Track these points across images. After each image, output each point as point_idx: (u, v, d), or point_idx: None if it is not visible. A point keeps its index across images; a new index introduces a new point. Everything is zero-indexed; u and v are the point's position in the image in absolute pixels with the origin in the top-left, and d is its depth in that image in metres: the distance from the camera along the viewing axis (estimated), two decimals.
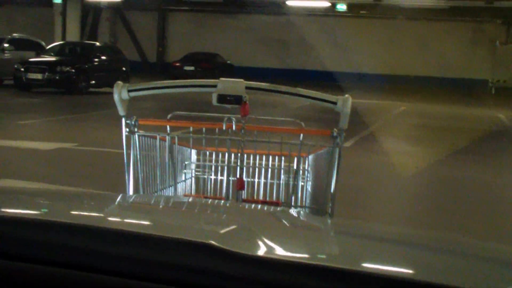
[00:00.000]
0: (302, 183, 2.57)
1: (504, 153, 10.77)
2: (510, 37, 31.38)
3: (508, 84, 30.47)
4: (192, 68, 28.28)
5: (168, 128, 2.33)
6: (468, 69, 31.66)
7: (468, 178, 8.18)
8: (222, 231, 1.23)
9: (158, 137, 2.36)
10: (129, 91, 2.17)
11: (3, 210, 1.32)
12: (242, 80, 2.13)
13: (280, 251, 1.19)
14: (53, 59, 18.75)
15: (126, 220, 1.44)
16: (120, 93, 2.17)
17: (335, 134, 2.25)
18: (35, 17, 33.68)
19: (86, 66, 18.83)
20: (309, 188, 2.59)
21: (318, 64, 33.16)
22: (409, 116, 17.05)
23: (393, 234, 1.54)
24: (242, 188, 2.29)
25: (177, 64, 28.91)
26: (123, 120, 2.24)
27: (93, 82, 18.97)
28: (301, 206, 2.50)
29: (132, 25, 35.55)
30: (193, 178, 2.68)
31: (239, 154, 2.25)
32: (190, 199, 2.21)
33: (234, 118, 2.22)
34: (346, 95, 2.16)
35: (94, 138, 10.17)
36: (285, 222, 1.55)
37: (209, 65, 28.70)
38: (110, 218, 1.44)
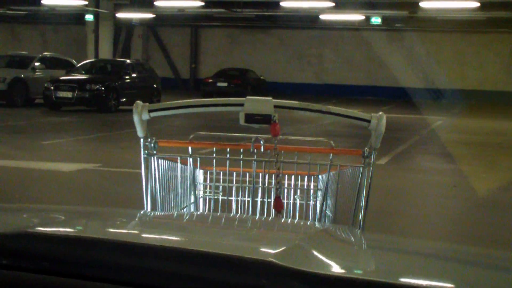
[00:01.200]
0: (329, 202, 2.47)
1: None
2: None
3: None
4: (225, 84, 28.13)
5: (189, 150, 2.25)
6: (507, 81, 30.93)
7: (508, 198, 7.68)
8: (279, 249, 1.19)
9: (179, 159, 2.27)
10: (149, 111, 2.07)
11: (37, 228, 1.33)
12: (270, 98, 2.00)
13: (336, 268, 1.20)
14: (83, 77, 18.69)
15: (177, 238, 1.40)
16: (140, 113, 2.07)
17: (366, 153, 2.16)
18: (68, 36, 34.01)
19: (116, 83, 18.70)
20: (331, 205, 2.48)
21: (353, 79, 32.79)
22: (446, 131, 16.52)
23: (438, 250, 1.55)
24: (281, 208, 2.20)
25: (210, 80, 28.79)
26: (142, 141, 2.15)
27: (124, 100, 18.84)
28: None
29: (165, 42, 35.62)
30: (206, 199, 2.56)
31: (274, 175, 2.15)
32: (226, 216, 2.13)
33: (262, 139, 2.13)
34: (380, 113, 2.06)
35: (118, 158, 9.92)
36: (335, 238, 1.56)
37: (242, 81, 28.52)
38: (151, 236, 1.41)
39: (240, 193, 2.50)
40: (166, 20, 32.21)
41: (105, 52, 27.38)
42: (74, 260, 1.11)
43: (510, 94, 30.10)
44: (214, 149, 2.28)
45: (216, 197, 2.51)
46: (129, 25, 32.42)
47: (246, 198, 2.45)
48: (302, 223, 2.07)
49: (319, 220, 2.46)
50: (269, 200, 2.46)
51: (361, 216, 2.22)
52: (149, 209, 2.23)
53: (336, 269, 1.20)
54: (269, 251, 1.20)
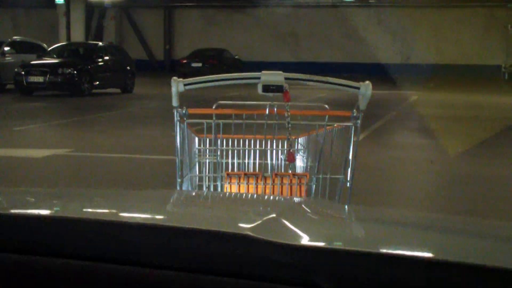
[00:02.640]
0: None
1: None
2: None
3: None
4: (199, 64, 27.93)
5: (214, 116, 2.56)
6: (481, 55, 31.10)
7: (485, 173, 7.65)
8: (255, 223, 1.21)
9: (205, 123, 2.60)
10: (185, 85, 2.45)
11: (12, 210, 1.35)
12: (281, 72, 2.41)
13: (312, 239, 1.22)
14: (54, 61, 18.38)
15: (161, 216, 1.45)
16: (178, 86, 2.44)
17: (355, 114, 2.56)
18: (39, 19, 33.45)
19: (89, 67, 18.42)
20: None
21: (329, 56, 32.73)
22: (423, 106, 16.52)
23: (417, 218, 1.61)
24: (293, 160, 2.64)
25: (184, 61, 28.59)
26: (175, 110, 2.50)
27: (97, 83, 18.59)
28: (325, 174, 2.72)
29: (138, 24, 35.22)
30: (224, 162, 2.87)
31: (288, 131, 2.55)
32: (212, 193, 2.34)
33: (275, 104, 2.51)
34: (367, 82, 2.47)
35: (91, 143, 9.75)
36: (313, 211, 1.60)
37: (217, 61, 28.34)
38: (129, 214, 1.45)
39: (256, 152, 2.93)
40: (139, 1, 31.86)
41: (77, 35, 27.02)
42: (53, 240, 1.13)
43: (484, 67, 30.26)
44: (233, 116, 2.62)
45: (233, 161, 2.92)
46: (101, 7, 31.98)
47: (257, 161, 2.89)
48: (281, 197, 2.27)
49: (316, 171, 2.74)
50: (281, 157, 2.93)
51: (350, 166, 2.61)
52: (179, 169, 2.57)
53: (312, 240, 1.21)
54: (246, 225, 1.21)
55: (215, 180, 2.66)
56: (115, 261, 1.08)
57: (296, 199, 1.99)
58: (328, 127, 2.64)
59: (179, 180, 2.54)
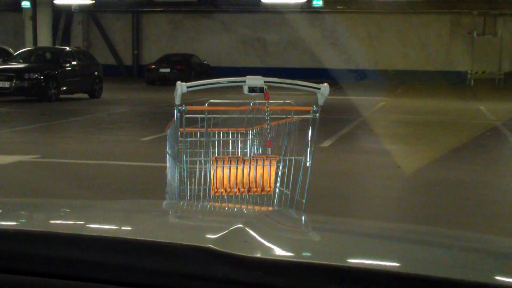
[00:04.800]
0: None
1: (487, 148, 10.39)
2: (487, 28, 31.24)
3: (486, 75, 30.42)
4: (167, 70, 27.82)
5: (206, 113, 3.08)
6: (447, 61, 31.52)
7: (452, 177, 7.77)
8: (219, 234, 1.20)
9: (199, 117, 3.10)
10: (187, 87, 2.97)
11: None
12: (261, 76, 3.01)
13: (275, 251, 1.21)
14: (20, 66, 18.15)
15: (116, 227, 1.42)
16: (182, 88, 2.96)
17: (315, 108, 3.16)
18: (4, 23, 33.02)
19: (56, 72, 18.22)
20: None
21: (296, 62, 32.86)
22: (389, 111, 16.70)
23: (382, 230, 1.61)
24: (270, 146, 3.20)
25: (153, 66, 28.44)
26: (176, 107, 3.02)
27: (64, 88, 18.41)
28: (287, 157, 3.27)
29: (106, 28, 34.97)
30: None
31: (267, 123, 3.13)
32: (175, 204, 2.42)
33: (256, 102, 3.05)
34: (325, 84, 3.09)
35: (58, 149, 9.65)
36: (278, 222, 1.60)
37: (185, 66, 28.25)
38: (95, 226, 1.42)
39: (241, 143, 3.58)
40: (107, 6, 31.62)
41: (44, 39, 26.72)
42: (14, 256, 1.10)
43: (451, 73, 30.68)
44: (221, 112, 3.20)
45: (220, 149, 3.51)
46: (68, 11, 31.68)
47: (239, 148, 3.55)
48: (247, 206, 2.45)
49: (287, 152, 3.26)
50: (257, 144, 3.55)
51: (309, 150, 3.22)
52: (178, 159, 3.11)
53: (274, 252, 1.20)
54: (209, 237, 1.20)
55: (205, 163, 3.18)
56: (71, 276, 1.06)
57: (264, 209, 2.02)
58: (294, 118, 3.23)
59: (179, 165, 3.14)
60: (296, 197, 3.21)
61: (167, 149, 3.76)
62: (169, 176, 3.69)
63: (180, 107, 3.04)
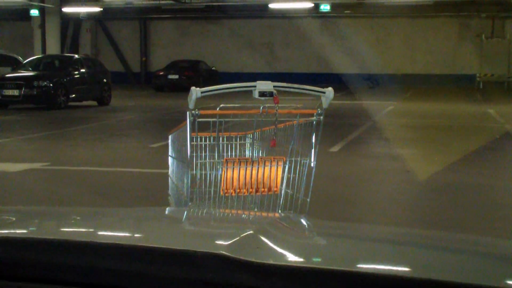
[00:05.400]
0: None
1: (497, 152, 10.35)
2: (495, 31, 31.16)
3: (495, 78, 30.33)
4: (176, 76, 27.89)
5: (217, 116, 3.22)
6: (456, 65, 31.44)
7: (462, 181, 7.74)
8: (231, 241, 1.20)
9: (211, 121, 3.24)
10: (202, 92, 3.08)
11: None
12: (270, 81, 3.14)
13: (287, 257, 1.21)
14: (30, 74, 18.23)
15: (129, 235, 1.42)
16: (196, 93, 3.06)
17: (319, 111, 3.30)
18: (13, 32, 33.20)
19: (65, 79, 18.31)
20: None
21: (304, 67, 32.88)
22: (398, 115, 16.66)
23: (391, 235, 1.61)
24: (275, 145, 3.34)
25: (161, 73, 28.51)
26: (189, 111, 3.11)
27: (73, 96, 18.49)
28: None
29: (114, 36, 35.11)
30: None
31: (275, 125, 3.28)
32: (187, 211, 2.45)
33: (266, 106, 3.19)
34: (330, 88, 3.23)
35: (68, 156, 9.69)
36: (289, 228, 1.61)
37: (193, 73, 28.31)
38: (109, 233, 1.43)
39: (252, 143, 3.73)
40: (114, 13, 31.73)
41: (53, 47, 26.83)
42: (21, 263, 1.09)
43: (459, 77, 30.61)
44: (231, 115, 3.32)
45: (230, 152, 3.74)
46: (76, 19, 31.82)
47: (248, 151, 3.78)
48: (258, 213, 2.47)
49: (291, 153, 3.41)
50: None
51: (313, 151, 3.33)
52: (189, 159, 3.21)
53: (286, 258, 1.20)
54: (221, 243, 1.20)
55: (218, 164, 3.33)
56: (85, 284, 1.07)
57: (274, 216, 2.05)
58: (300, 121, 3.36)
59: (188, 169, 3.27)
60: (301, 197, 3.34)
61: (171, 153, 3.96)
62: (174, 180, 3.83)
63: (193, 111, 3.15)
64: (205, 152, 3.57)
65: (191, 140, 3.22)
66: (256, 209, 3.38)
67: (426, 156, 9.67)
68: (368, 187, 7.59)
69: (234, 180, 3.29)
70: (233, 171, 3.28)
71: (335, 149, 10.18)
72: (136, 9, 29.94)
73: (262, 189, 3.35)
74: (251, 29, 33.72)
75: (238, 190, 3.32)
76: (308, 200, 3.34)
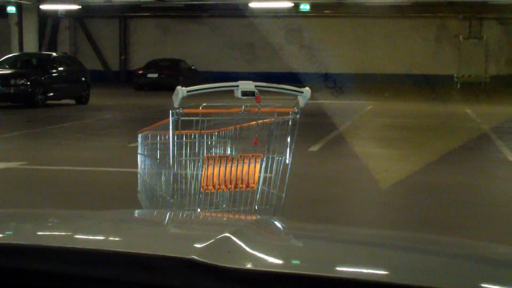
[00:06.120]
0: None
1: (475, 151, 10.44)
2: (472, 32, 31.44)
3: (472, 78, 30.61)
4: (155, 75, 27.79)
5: (200, 115, 3.32)
6: (434, 65, 31.67)
7: (441, 180, 7.79)
8: (204, 244, 1.18)
9: (194, 120, 3.35)
10: (187, 91, 3.21)
11: None
12: (252, 81, 3.30)
13: (260, 262, 1.19)
14: (7, 71, 18.03)
15: (101, 239, 1.40)
16: (182, 92, 3.19)
17: (296, 110, 3.44)
18: None
19: (43, 78, 18.14)
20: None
21: (284, 66, 32.88)
22: (377, 115, 16.75)
23: (368, 237, 1.59)
24: (256, 143, 3.48)
25: (140, 71, 28.38)
26: (173, 109, 3.22)
27: (51, 94, 18.33)
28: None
29: (93, 34, 34.88)
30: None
31: (257, 123, 3.45)
32: (163, 214, 2.41)
33: (248, 105, 3.34)
34: (307, 88, 3.40)
35: (46, 155, 9.60)
36: (264, 230, 1.59)
37: (173, 72, 28.21)
38: (80, 237, 1.40)
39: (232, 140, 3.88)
40: (94, 11, 31.51)
41: (30, 45, 26.61)
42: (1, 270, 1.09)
43: (438, 77, 30.83)
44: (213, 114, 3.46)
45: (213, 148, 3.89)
46: (54, 17, 31.57)
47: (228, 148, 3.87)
48: (234, 216, 2.48)
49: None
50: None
51: (288, 149, 3.49)
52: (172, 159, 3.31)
53: (258, 262, 1.18)
54: (192, 246, 1.20)
55: (199, 162, 3.44)
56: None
57: (251, 218, 2.06)
58: (278, 119, 3.49)
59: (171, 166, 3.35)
60: (276, 192, 3.49)
61: (141, 151, 4.18)
62: (146, 178, 4.00)
63: (177, 110, 3.26)
64: (187, 150, 3.63)
65: (174, 138, 3.32)
66: (233, 205, 3.48)
67: (405, 155, 9.72)
68: (347, 187, 7.61)
69: (214, 177, 3.39)
70: (213, 168, 3.38)
71: (314, 148, 10.20)
72: (116, 7, 29.77)
73: (241, 185, 3.45)
74: (232, 28, 33.69)
75: (218, 187, 3.42)
76: (283, 195, 3.48)
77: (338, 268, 1.17)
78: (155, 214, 2.25)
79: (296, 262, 1.26)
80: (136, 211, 2.39)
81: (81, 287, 1.05)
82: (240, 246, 1.25)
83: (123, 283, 1.05)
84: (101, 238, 1.41)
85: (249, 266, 1.12)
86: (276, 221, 1.92)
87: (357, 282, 1.05)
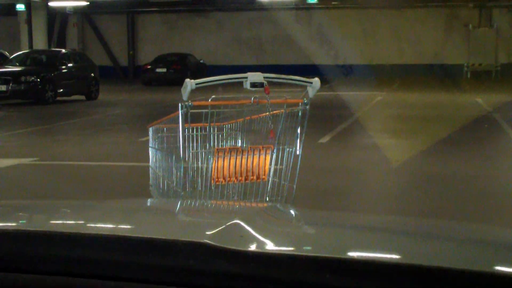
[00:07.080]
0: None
1: (485, 141, 10.40)
2: (482, 20, 31.23)
3: (483, 67, 30.42)
4: (164, 70, 27.78)
5: (209, 107, 3.31)
6: (443, 55, 31.49)
7: (451, 171, 7.78)
8: (216, 230, 1.21)
9: (203, 112, 3.35)
10: (196, 84, 3.20)
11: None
12: (260, 73, 3.29)
13: (271, 245, 1.21)
14: (17, 69, 18.12)
15: (114, 226, 1.44)
16: (191, 85, 3.19)
17: (305, 101, 3.45)
18: (0, 27, 32.93)
19: (53, 74, 18.21)
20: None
21: (292, 59, 32.82)
22: (387, 106, 16.71)
23: (379, 222, 1.60)
24: (273, 136, 3.49)
25: (149, 66, 28.38)
26: (182, 103, 3.22)
27: (61, 90, 18.40)
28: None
29: (101, 30, 34.92)
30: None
31: (269, 114, 3.47)
32: (174, 202, 2.49)
33: (257, 96, 3.35)
34: (316, 78, 3.38)
35: (57, 151, 9.65)
36: (274, 217, 1.61)
37: (181, 66, 28.21)
38: (94, 225, 1.44)
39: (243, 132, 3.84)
40: (101, 7, 31.55)
41: (40, 42, 26.69)
42: (15, 255, 1.11)
43: (447, 67, 30.66)
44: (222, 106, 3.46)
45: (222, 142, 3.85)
46: (63, 13, 31.64)
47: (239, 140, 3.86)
48: (245, 203, 2.51)
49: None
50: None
51: (298, 140, 3.50)
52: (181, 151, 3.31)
53: (269, 246, 1.20)
54: (205, 232, 1.21)
55: (209, 154, 3.45)
56: (72, 274, 1.08)
57: (260, 205, 2.06)
58: (287, 110, 3.50)
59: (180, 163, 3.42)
60: (287, 183, 3.50)
61: (152, 145, 4.17)
62: (157, 171, 3.98)
63: (187, 102, 3.26)
64: (197, 142, 3.63)
65: (184, 131, 3.31)
66: (244, 197, 3.46)
67: (415, 146, 9.70)
68: (357, 178, 7.61)
69: (225, 169, 3.39)
70: (223, 160, 3.38)
71: (324, 140, 10.19)
72: (123, 3, 29.78)
73: (251, 177, 3.45)
74: (239, 22, 33.64)
75: (228, 179, 3.41)
76: (294, 186, 3.48)
77: (350, 252, 1.18)
78: (167, 202, 2.25)
79: (308, 246, 1.27)
80: (149, 200, 2.42)
81: (97, 271, 1.08)
82: (251, 231, 1.27)
83: (137, 265, 1.07)
84: (114, 225, 1.44)
85: (259, 249, 1.14)
86: (286, 207, 1.93)
87: (370, 263, 1.06)
